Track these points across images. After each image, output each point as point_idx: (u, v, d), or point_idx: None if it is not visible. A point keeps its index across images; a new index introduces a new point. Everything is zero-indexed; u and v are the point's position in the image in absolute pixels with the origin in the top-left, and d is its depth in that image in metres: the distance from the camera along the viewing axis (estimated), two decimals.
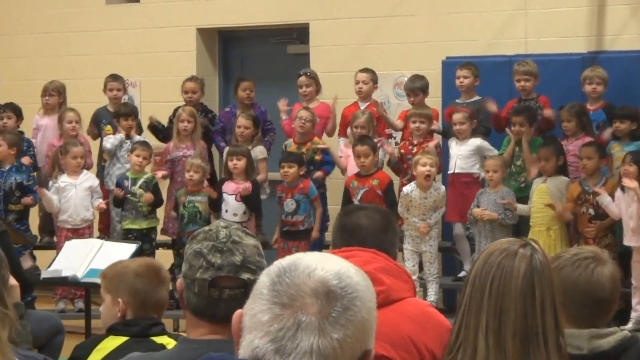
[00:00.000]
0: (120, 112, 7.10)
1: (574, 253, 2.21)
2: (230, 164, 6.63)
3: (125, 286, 2.74)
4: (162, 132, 7.21)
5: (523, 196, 6.37)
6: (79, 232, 6.60)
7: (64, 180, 6.74)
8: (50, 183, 6.78)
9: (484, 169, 6.41)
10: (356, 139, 6.61)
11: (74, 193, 6.71)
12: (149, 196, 6.69)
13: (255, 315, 1.28)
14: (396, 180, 6.77)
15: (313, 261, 1.31)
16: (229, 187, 6.67)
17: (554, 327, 1.68)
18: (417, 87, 6.81)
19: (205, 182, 6.89)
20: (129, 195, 6.74)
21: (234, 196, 6.63)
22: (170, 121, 7.20)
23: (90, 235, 6.50)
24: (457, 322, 1.73)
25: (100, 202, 6.77)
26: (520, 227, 6.31)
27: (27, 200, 6.66)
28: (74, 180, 6.74)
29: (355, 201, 6.33)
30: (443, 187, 6.43)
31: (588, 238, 6.05)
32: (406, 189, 6.38)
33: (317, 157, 6.84)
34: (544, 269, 1.71)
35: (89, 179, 6.81)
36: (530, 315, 1.68)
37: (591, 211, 6.09)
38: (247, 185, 6.58)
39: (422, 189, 6.30)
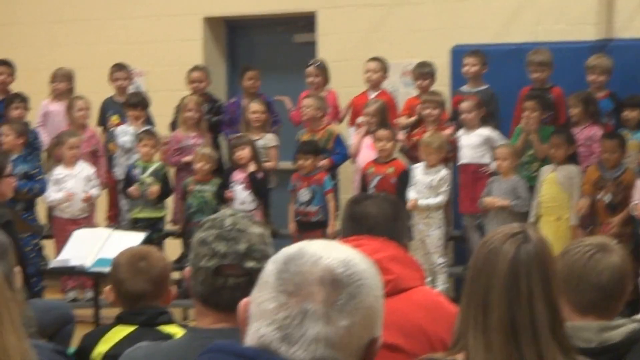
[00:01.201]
0: (129, 102, 7.06)
1: (581, 240, 2.22)
2: (235, 156, 6.58)
3: (110, 275, 2.74)
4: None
5: (534, 185, 6.33)
6: (77, 223, 6.52)
7: (60, 171, 6.69)
8: (47, 176, 6.71)
9: (494, 158, 6.37)
10: (375, 124, 6.58)
11: (73, 184, 6.67)
12: (154, 189, 6.65)
13: (261, 304, 1.28)
14: None
15: (319, 249, 1.31)
16: (236, 176, 6.64)
17: (546, 320, 1.65)
18: (426, 72, 6.78)
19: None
20: (137, 184, 6.71)
21: (242, 185, 6.60)
22: (177, 111, 7.15)
23: (89, 226, 6.38)
24: (457, 318, 1.72)
25: (89, 192, 6.65)
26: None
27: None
28: (71, 171, 6.69)
29: (371, 188, 6.31)
30: (445, 171, 6.39)
31: (605, 224, 6.01)
32: (416, 165, 6.42)
33: (330, 145, 6.79)
34: (532, 259, 1.66)
35: (84, 168, 6.76)
36: (515, 309, 1.64)
37: (608, 197, 6.05)
38: (250, 166, 6.52)
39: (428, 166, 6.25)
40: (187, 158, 6.90)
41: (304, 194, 6.53)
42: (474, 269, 1.70)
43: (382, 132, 6.40)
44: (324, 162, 6.70)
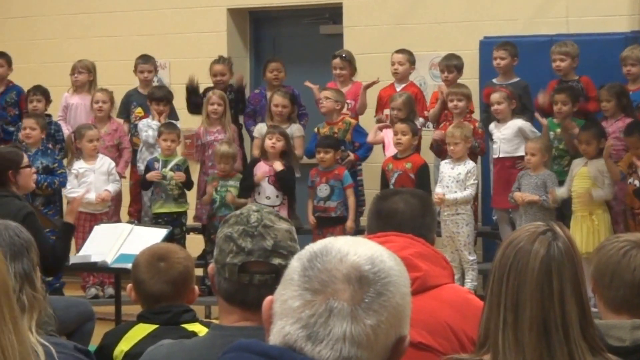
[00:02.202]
0: (153, 96, 6.97)
1: (617, 236, 2.19)
2: (268, 142, 6.46)
3: (131, 274, 2.71)
4: (196, 97, 7.01)
5: (565, 180, 6.24)
6: (97, 218, 6.43)
7: (81, 166, 6.62)
8: (67, 171, 6.64)
9: (524, 152, 6.29)
10: (394, 118, 6.53)
11: (94, 178, 6.60)
12: (179, 174, 6.58)
13: (286, 302, 1.26)
14: (431, 163, 6.65)
15: (345, 246, 1.29)
16: (261, 168, 6.55)
17: (576, 319, 1.63)
18: (452, 64, 6.70)
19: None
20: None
21: (267, 178, 6.52)
22: (201, 100, 7.03)
23: (109, 222, 6.25)
24: (483, 317, 1.68)
25: (104, 191, 6.57)
26: (563, 211, 6.19)
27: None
28: (92, 165, 6.62)
29: (391, 185, 6.23)
30: (473, 164, 6.31)
31: (635, 210, 5.95)
32: (442, 162, 6.35)
33: (348, 137, 6.71)
34: (563, 257, 1.65)
35: (105, 162, 6.70)
36: (548, 307, 1.62)
37: (636, 182, 5.97)
38: (277, 164, 6.43)
39: (453, 158, 6.19)
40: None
41: (323, 190, 6.45)
42: (501, 269, 1.66)
43: (399, 126, 6.33)
44: (350, 158, 6.63)
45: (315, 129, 6.81)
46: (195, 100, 7.03)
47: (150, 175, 6.62)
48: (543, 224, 1.70)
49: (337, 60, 6.94)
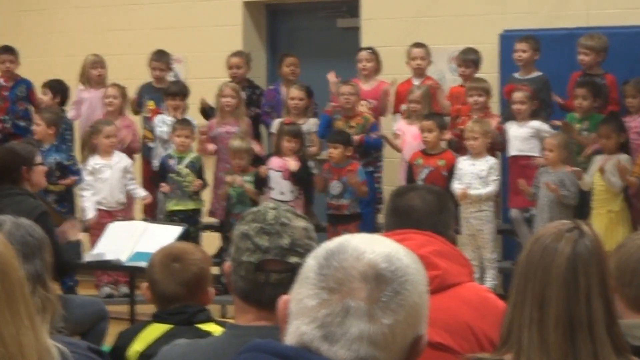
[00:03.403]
0: (168, 91, 6.91)
1: (638, 233, 2.16)
2: (287, 145, 6.43)
3: (146, 274, 2.70)
4: (212, 116, 7.03)
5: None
6: (112, 215, 6.38)
7: (97, 161, 6.57)
8: (82, 166, 6.60)
9: (542, 149, 6.22)
10: (412, 112, 6.47)
11: (110, 174, 6.55)
12: (198, 183, 6.52)
13: (301, 301, 1.25)
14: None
15: (362, 243, 1.27)
16: (274, 163, 6.49)
17: (602, 317, 1.62)
18: (469, 59, 6.64)
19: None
20: (173, 175, 6.58)
21: (280, 173, 6.46)
22: (217, 99, 6.98)
23: (124, 219, 6.18)
24: (506, 316, 1.67)
25: (145, 196, 6.62)
26: (582, 209, 6.12)
27: (66, 181, 6.46)
28: (108, 161, 6.57)
29: (419, 181, 6.14)
30: (494, 160, 6.24)
31: None
32: (461, 159, 6.27)
33: (362, 133, 6.64)
34: (590, 255, 1.65)
35: (122, 159, 6.65)
36: (574, 305, 1.62)
37: None
38: (292, 164, 6.39)
39: (472, 153, 6.12)
40: (211, 147, 6.75)
41: (335, 187, 6.36)
42: (527, 266, 1.66)
43: (425, 123, 6.25)
44: (355, 138, 6.48)
45: (331, 118, 6.71)
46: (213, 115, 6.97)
47: (163, 189, 6.57)
48: (569, 222, 1.69)
49: (364, 53, 6.85)
